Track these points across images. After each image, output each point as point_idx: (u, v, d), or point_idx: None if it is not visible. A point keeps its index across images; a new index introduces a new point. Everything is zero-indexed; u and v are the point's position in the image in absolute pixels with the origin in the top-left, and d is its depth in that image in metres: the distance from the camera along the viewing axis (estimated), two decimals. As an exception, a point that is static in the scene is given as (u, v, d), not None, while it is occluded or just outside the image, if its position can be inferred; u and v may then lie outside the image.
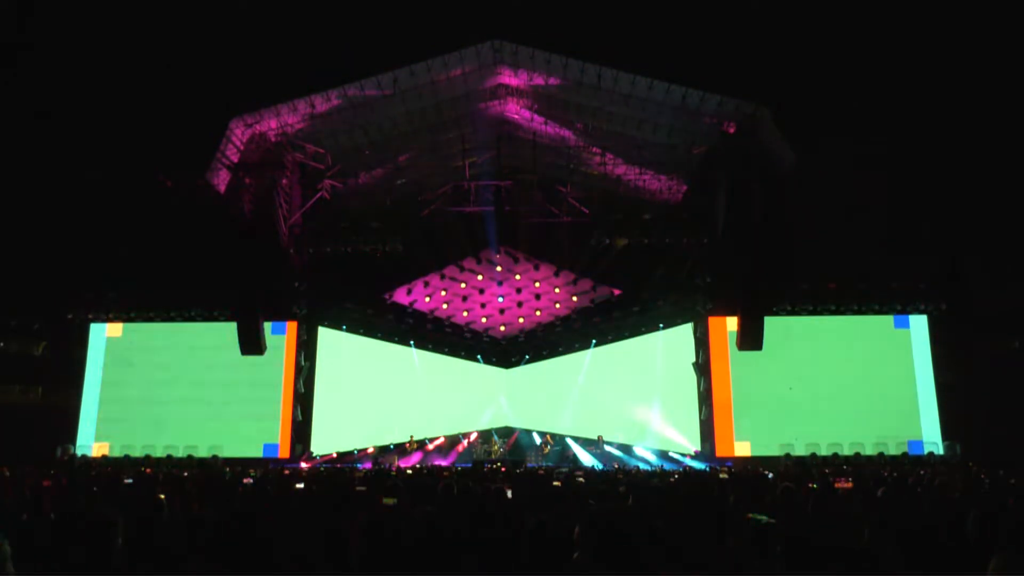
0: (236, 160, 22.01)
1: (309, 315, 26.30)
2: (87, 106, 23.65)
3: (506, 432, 27.55)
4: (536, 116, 23.05)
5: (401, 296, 27.07)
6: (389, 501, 6.78)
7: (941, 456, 23.15)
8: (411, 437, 26.39)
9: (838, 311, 25.30)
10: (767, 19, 22.37)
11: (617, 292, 26.97)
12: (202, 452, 24.27)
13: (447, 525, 5.31)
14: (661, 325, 26.94)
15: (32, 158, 24.30)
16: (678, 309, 26.41)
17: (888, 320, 25.37)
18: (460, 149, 23.65)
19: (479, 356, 28.54)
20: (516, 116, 23.46)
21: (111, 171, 23.13)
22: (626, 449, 26.65)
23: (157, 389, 25.44)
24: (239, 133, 21.62)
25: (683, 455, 25.08)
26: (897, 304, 25.29)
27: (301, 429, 25.29)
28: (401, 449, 25.97)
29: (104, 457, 23.98)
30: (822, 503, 6.42)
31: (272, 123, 21.79)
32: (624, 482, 9.69)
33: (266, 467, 19.38)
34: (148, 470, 16.31)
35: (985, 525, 4.88)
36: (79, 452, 24.22)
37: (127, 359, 25.84)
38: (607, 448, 26.34)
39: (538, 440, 27.15)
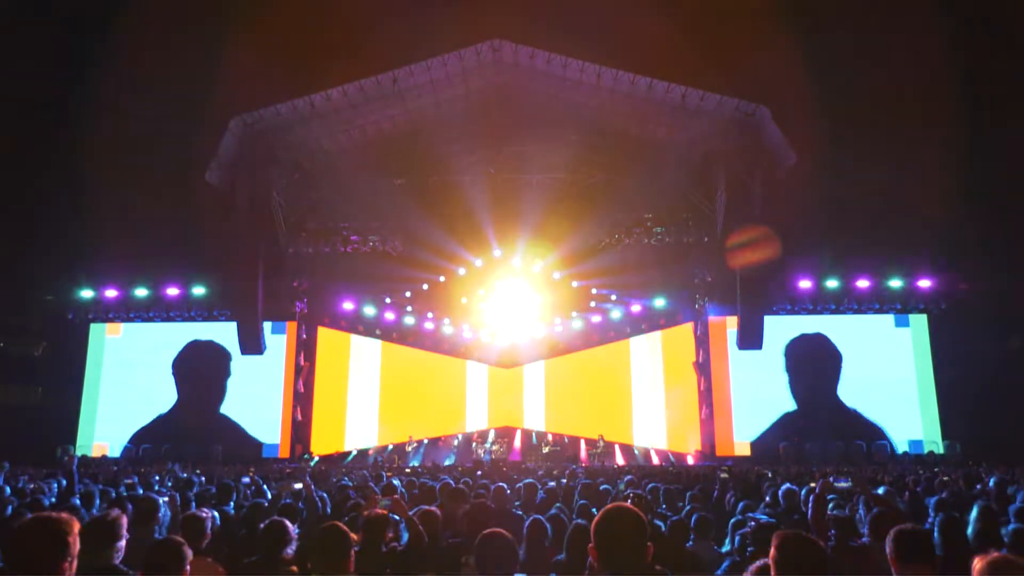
0: (236, 159, 22.01)
1: (309, 315, 26.30)
2: (88, 105, 23.64)
3: (506, 432, 27.52)
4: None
5: (401, 295, 27.01)
6: (388, 501, 6.77)
7: (941, 455, 23.13)
8: (410, 437, 26.38)
9: (838, 311, 25.29)
10: (767, 18, 22.35)
11: (617, 291, 26.92)
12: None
13: (446, 525, 5.31)
14: (662, 323, 26.91)
15: (32, 157, 24.29)
16: (678, 309, 26.40)
17: (888, 320, 25.36)
18: (461, 148, 23.69)
19: (479, 355, 28.51)
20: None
21: (112, 170, 23.13)
22: (626, 448, 26.65)
23: (157, 389, 25.45)
24: (239, 132, 21.62)
25: (683, 455, 25.07)
26: (897, 304, 25.29)
27: (301, 429, 25.27)
28: (400, 449, 25.96)
29: (104, 457, 23.98)
30: (821, 505, 6.40)
31: (272, 122, 21.78)
32: (624, 481, 9.68)
33: (268, 467, 19.37)
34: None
35: (985, 525, 4.88)
36: (79, 452, 24.20)
37: (127, 359, 25.85)
38: (607, 447, 26.32)
39: (537, 440, 27.14)
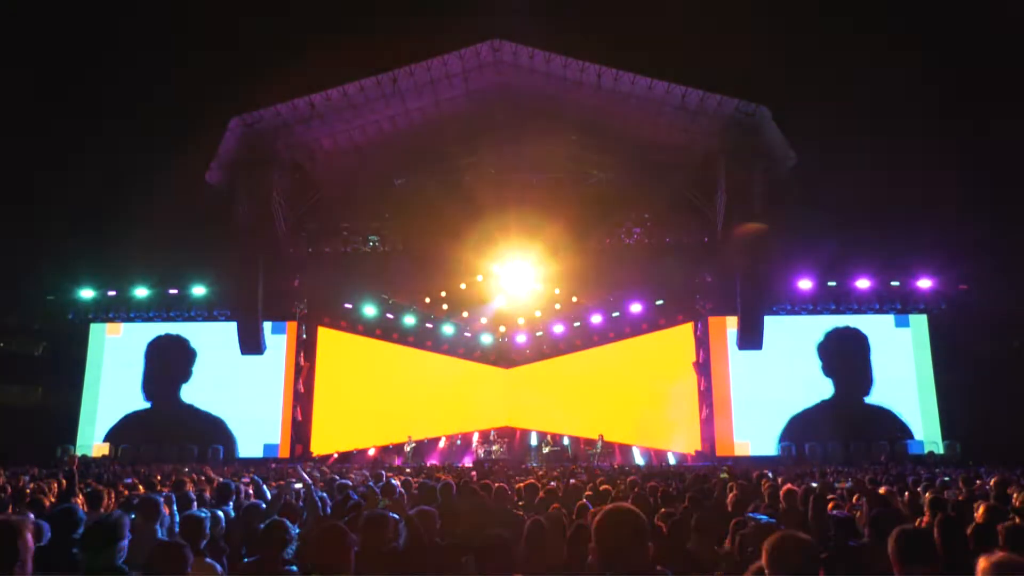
0: (236, 159, 22.01)
1: (309, 315, 26.29)
2: (88, 105, 23.65)
3: (506, 432, 27.52)
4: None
5: (400, 295, 27.01)
6: (388, 502, 6.78)
7: (941, 455, 23.15)
8: (408, 437, 26.38)
9: (838, 311, 25.30)
10: (767, 18, 22.36)
11: (617, 291, 26.92)
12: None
13: (446, 525, 5.31)
14: (662, 323, 26.88)
15: (32, 157, 24.29)
16: (678, 309, 26.39)
17: (888, 320, 25.37)
18: (461, 148, 23.70)
19: (479, 355, 28.51)
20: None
21: (112, 170, 23.15)
22: (626, 449, 26.65)
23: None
24: (239, 132, 21.62)
25: (683, 455, 25.07)
26: (897, 304, 25.30)
27: (301, 429, 25.27)
28: (400, 449, 25.96)
29: (104, 457, 23.98)
30: (821, 503, 6.41)
31: (272, 122, 21.78)
32: (624, 481, 9.68)
33: (267, 467, 19.37)
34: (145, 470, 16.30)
35: (986, 524, 4.88)
36: (79, 452, 24.19)
37: (127, 359, 25.85)
38: (606, 448, 26.32)
39: (537, 440, 27.14)
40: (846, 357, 24.89)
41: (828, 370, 24.88)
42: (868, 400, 24.64)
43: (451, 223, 24.10)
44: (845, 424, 23.94)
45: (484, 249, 24.88)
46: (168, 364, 25.61)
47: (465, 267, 25.33)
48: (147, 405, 25.47)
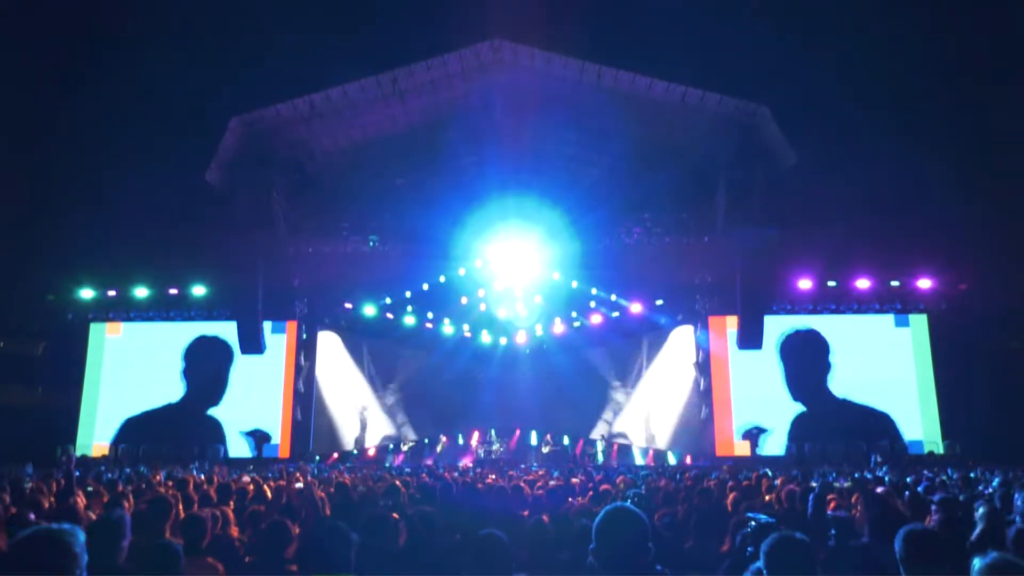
0: (236, 159, 22.02)
1: (309, 315, 26.29)
2: (88, 105, 23.64)
3: (506, 432, 27.55)
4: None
5: (401, 295, 27.00)
6: (387, 500, 6.78)
7: (941, 455, 23.14)
8: (406, 437, 26.39)
9: (838, 311, 25.30)
10: (767, 18, 22.35)
11: (617, 291, 26.92)
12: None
13: (446, 525, 5.31)
14: (662, 323, 26.90)
15: (31, 157, 24.29)
16: (678, 309, 26.39)
17: (888, 320, 25.37)
18: (461, 148, 23.69)
19: (479, 354, 28.53)
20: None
21: (112, 170, 23.14)
22: (625, 449, 26.67)
23: (157, 389, 25.46)
24: (239, 132, 21.62)
25: (683, 455, 25.08)
26: (897, 304, 25.30)
27: (301, 429, 25.26)
28: (399, 449, 25.98)
29: (104, 457, 23.98)
30: (821, 503, 6.40)
31: (272, 122, 21.78)
32: (624, 482, 9.69)
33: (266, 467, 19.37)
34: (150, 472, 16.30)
35: (990, 526, 4.88)
36: (79, 452, 24.18)
37: (127, 359, 25.84)
38: (606, 447, 26.35)
39: (537, 440, 27.16)
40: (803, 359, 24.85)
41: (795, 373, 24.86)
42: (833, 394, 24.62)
43: (450, 213, 24.00)
44: (828, 423, 24.01)
45: (483, 234, 24.58)
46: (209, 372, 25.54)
47: (463, 252, 25.04)
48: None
